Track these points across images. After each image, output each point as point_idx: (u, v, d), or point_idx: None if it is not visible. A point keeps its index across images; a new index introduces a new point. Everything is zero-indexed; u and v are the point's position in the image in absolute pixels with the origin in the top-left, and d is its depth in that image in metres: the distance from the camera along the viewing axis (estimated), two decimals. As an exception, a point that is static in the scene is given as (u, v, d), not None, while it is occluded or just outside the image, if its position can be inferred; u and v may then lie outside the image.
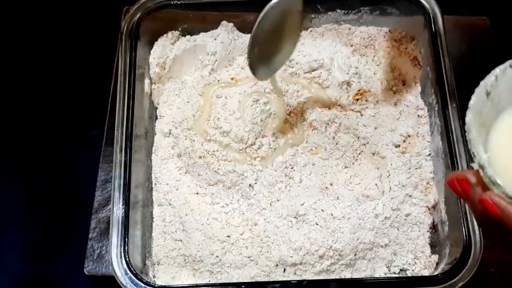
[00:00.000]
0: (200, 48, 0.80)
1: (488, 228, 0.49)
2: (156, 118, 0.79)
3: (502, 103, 0.51)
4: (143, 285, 0.63)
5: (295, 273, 0.67)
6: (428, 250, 0.70)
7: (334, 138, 0.74)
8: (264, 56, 0.67)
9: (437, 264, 0.68)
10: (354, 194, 0.71)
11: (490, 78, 0.49)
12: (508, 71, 0.50)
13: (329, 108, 0.76)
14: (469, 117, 0.48)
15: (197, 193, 0.72)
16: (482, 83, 0.49)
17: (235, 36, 0.81)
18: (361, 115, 0.77)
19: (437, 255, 0.69)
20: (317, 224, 0.68)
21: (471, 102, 0.49)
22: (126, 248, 0.64)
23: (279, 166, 0.72)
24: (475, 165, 0.47)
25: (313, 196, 0.70)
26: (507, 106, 0.51)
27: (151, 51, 0.80)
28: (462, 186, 0.49)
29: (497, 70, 0.50)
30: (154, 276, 0.69)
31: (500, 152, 0.49)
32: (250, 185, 0.71)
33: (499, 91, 0.50)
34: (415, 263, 0.69)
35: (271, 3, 0.64)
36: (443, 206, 0.70)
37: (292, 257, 0.67)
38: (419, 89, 0.78)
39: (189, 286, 0.67)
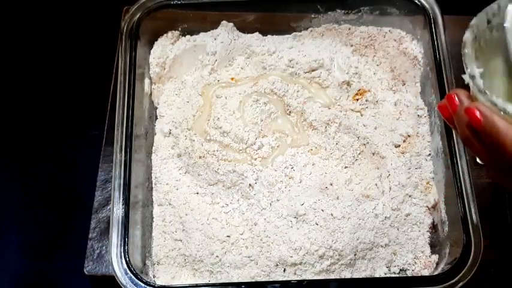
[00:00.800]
0: (200, 48, 0.80)
1: (471, 143, 0.49)
2: (156, 118, 0.79)
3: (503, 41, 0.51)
4: (143, 285, 0.63)
5: (295, 273, 0.67)
6: (428, 250, 0.70)
7: (334, 138, 0.74)
8: None
9: (437, 264, 0.68)
10: (354, 194, 0.71)
11: (492, 7, 0.50)
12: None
13: (329, 108, 0.76)
14: (467, 34, 0.49)
15: (197, 193, 0.73)
16: (484, 9, 0.50)
17: (235, 36, 0.81)
18: (361, 115, 0.77)
19: (437, 255, 0.69)
20: (317, 224, 0.68)
21: (472, 22, 0.50)
22: (126, 247, 0.64)
23: (279, 166, 0.72)
24: (466, 77, 0.48)
25: (313, 196, 0.70)
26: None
27: (151, 51, 0.80)
28: (451, 103, 0.49)
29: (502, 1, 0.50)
30: (154, 276, 0.69)
31: (493, 71, 0.50)
32: (250, 185, 0.71)
33: (498, 26, 0.50)
34: (415, 262, 0.69)
35: None
36: (443, 206, 0.70)
37: (292, 257, 0.67)
38: (419, 89, 0.78)
39: (189, 286, 0.67)
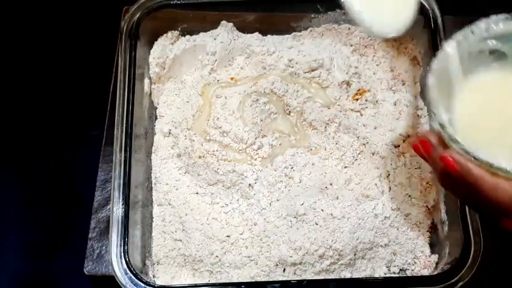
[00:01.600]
0: (200, 48, 0.80)
1: (450, 187, 0.50)
2: (156, 118, 0.79)
3: (467, 66, 0.51)
4: (143, 285, 0.63)
5: (295, 273, 0.67)
6: (427, 250, 0.70)
7: (334, 138, 0.74)
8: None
9: (437, 264, 0.68)
10: (354, 194, 0.71)
11: (450, 44, 0.51)
12: (469, 36, 0.51)
13: (329, 108, 0.76)
14: (431, 79, 0.49)
15: (197, 193, 0.73)
16: (443, 46, 0.51)
17: (235, 36, 0.81)
18: (361, 115, 0.76)
19: (436, 255, 0.69)
20: (317, 224, 0.68)
21: (433, 66, 0.50)
22: (126, 247, 0.64)
23: (278, 166, 0.72)
24: (435, 124, 0.48)
25: (313, 196, 0.70)
26: (472, 69, 0.51)
27: (151, 51, 0.80)
28: (424, 147, 0.50)
29: (459, 35, 0.51)
30: (154, 276, 0.70)
31: (464, 111, 0.50)
32: (250, 184, 0.71)
33: (461, 55, 0.51)
34: (415, 262, 0.69)
35: None
36: (443, 206, 0.70)
37: (291, 256, 0.67)
38: (419, 89, 0.78)
39: (189, 286, 0.67)
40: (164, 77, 0.80)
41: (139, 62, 0.76)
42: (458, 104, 0.51)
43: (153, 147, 0.77)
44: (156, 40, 0.81)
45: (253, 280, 0.67)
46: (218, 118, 0.73)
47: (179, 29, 0.82)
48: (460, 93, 0.51)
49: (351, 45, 0.81)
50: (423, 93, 0.55)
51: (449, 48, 0.50)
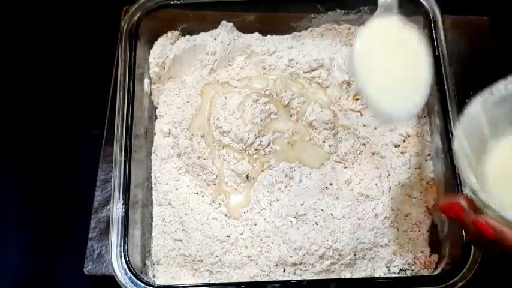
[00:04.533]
0: (200, 48, 0.80)
1: (484, 247, 0.51)
2: (156, 118, 0.79)
3: (493, 128, 0.51)
4: (143, 285, 0.63)
5: (294, 273, 0.67)
6: (428, 250, 0.70)
7: (334, 138, 0.74)
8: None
9: (437, 264, 0.68)
10: (354, 194, 0.71)
11: (472, 105, 0.50)
12: (489, 98, 0.50)
13: (329, 108, 0.76)
14: (456, 144, 0.49)
15: (197, 193, 0.73)
16: (466, 110, 0.50)
17: (235, 36, 0.81)
18: (361, 115, 0.76)
19: (437, 255, 0.69)
20: (317, 224, 0.68)
21: (457, 133, 0.50)
22: (126, 247, 0.64)
23: (278, 166, 0.72)
24: (466, 190, 0.48)
25: (313, 196, 0.70)
26: (499, 131, 0.52)
27: (151, 51, 0.80)
28: (455, 211, 0.51)
29: (479, 97, 0.50)
30: (154, 276, 0.69)
31: (496, 179, 0.50)
32: (250, 185, 0.71)
33: (485, 115, 0.51)
34: (415, 262, 0.69)
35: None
36: (443, 206, 0.70)
37: (291, 256, 0.67)
38: (419, 89, 0.78)
39: (189, 286, 0.67)
40: (164, 77, 0.80)
41: (139, 62, 0.76)
42: (488, 164, 0.51)
43: (153, 147, 0.77)
44: (156, 40, 0.81)
45: (253, 280, 0.67)
46: (218, 118, 0.73)
47: (179, 29, 0.82)
48: (489, 154, 0.51)
49: (351, 45, 0.81)
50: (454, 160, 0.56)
51: (473, 109, 0.50)
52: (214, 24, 0.81)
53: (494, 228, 0.47)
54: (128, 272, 0.63)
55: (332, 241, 0.67)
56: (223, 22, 0.81)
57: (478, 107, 0.50)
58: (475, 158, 0.50)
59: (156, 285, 0.64)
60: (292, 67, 0.78)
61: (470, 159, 0.49)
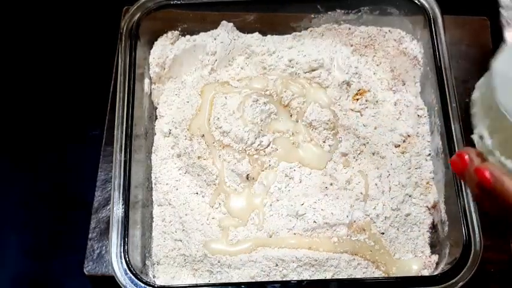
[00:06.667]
0: (200, 48, 0.80)
1: (483, 202, 0.50)
2: (156, 118, 0.79)
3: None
4: (143, 285, 0.63)
5: (295, 273, 0.67)
6: (428, 250, 0.70)
7: (334, 138, 0.74)
8: None
9: (437, 264, 0.68)
10: (354, 194, 0.71)
11: (496, 65, 0.49)
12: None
13: (329, 108, 0.76)
14: (475, 94, 0.49)
15: (197, 193, 0.72)
16: (491, 63, 0.49)
17: (235, 36, 0.81)
18: (361, 115, 0.76)
19: (437, 255, 0.69)
20: (315, 223, 0.68)
21: (479, 81, 0.49)
22: (126, 247, 0.64)
23: (278, 166, 0.72)
24: (474, 137, 0.48)
25: (313, 196, 0.70)
26: None
27: (151, 51, 0.80)
28: (461, 161, 0.50)
29: (502, 51, 0.49)
30: (154, 276, 0.69)
31: (505, 134, 0.49)
32: (250, 184, 0.71)
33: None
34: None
35: None
36: (443, 205, 0.70)
37: (292, 256, 0.67)
38: (419, 89, 0.78)
39: (189, 286, 0.67)
40: (164, 77, 0.80)
41: (139, 62, 0.76)
42: (499, 125, 0.50)
43: (153, 147, 0.77)
44: (156, 40, 0.81)
45: (253, 280, 0.67)
46: (218, 118, 0.73)
47: (179, 29, 0.82)
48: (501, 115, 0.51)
49: (351, 45, 0.81)
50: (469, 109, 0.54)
51: (497, 64, 0.50)
52: (214, 24, 0.81)
53: (494, 175, 0.46)
54: (128, 272, 0.63)
55: (332, 241, 0.67)
56: (223, 22, 0.81)
57: (501, 62, 0.49)
58: (492, 113, 0.49)
59: (156, 285, 0.64)
60: (292, 67, 0.78)
61: (487, 111, 0.49)
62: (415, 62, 0.80)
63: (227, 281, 0.67)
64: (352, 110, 0.77)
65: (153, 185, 0.74)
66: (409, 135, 0.75)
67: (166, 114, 0.78)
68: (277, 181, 0.71)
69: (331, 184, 0.72)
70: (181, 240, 0.70)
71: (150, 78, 0.79)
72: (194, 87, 0.78)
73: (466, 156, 0.49)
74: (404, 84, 0.79)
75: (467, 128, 0.73)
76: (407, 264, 0.69)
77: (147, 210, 0.73)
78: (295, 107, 0.75)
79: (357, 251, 0.68)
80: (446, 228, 0.69)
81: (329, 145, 0.74)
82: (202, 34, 0.81)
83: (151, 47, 0.81)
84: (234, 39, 0.80)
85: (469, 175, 0.49)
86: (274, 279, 0.67)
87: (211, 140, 0.73)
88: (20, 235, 0.79)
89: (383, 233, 0.69)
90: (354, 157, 0.74)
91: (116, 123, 0.71)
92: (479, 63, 0.81)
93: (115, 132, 0.71)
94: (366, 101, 0.77)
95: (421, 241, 0.70)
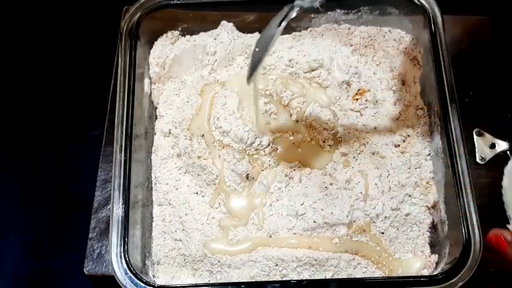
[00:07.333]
0: (200, 48, 0.80)
1: None
2: (156, 118, 0.79)
3: None
4: (143, 284, 0.63)
5: (294, 273, 0.67)
6: (428, 250, 0.70)
7: (334, 138, 0.74)
8: None
9: (437, 263, 0.68)
10: (354, 194, 0.71)
11: None
12: None
13: (329, 108, 0.76)
14: (506, 181, 0.50)
15: (197, 193, 0.73)
16: None
17: (235, 36, 0.81)
18: (361, 115, 0.77)
19: (436, 255, 0.69)
20: (315, 222, 0.68)
21: (508, 167, 0.51)
22: (126, 247, 0.64)
23: (278, 166, 0.72)
24: (510, 227, 0.50)
25: (313, 196, 0.70)
26: None
27: (151, 51, 0.80)
28: (499, 243, 0.58)
29: None
30: (154, 276, 0.70)
31: None
32: (250, 184, 0.71)
33: None
34: (415, 262, 0.70)
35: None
36: (443, 205, 0.70)
37: (292, 256, 0.67)
38: (418, 88, 0.78)
39: (189, 286, 0.67)
40: (164, 77, 0.80)
41: (139, 62, 0.76)
42: None
43: (153, 147, 0.77)
44: (156, 40, 0.81)
45: (253, 280, 0.67)
46: (218, 118, 0.73)
47: (179, 29, 0.82)
48: None
49: (351, 45, 0.81)
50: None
51: None
52: (214, 24, 0.81)
53: None
54: (128, 272, 0.63)
55: (332, 241, 0.67)
56: (223, 22, 0.81)
57: None
58: None
59: (156, 285, 0.64)
60: (292, 67, 0.78)
61: None
62: (415, 62, 0.80)
63: (227, 281, 0.67)
64: (352, 109, 0.77)
65: (153, 185, 0.74)
66: (408, 135, 0.75)
67: (166, 114, 0.78)
68: (277, 181, 0.71)
69: (331, 184, 0.72)
70: (181, 240, 0.70)
71: (150, 78, 0.79)
72: (194, 87, 0.78)
73: (504, 239, 0.57)
74: (404, 84, 0.79)
75: (467, 128, 0.74)
76: (407, 263, 0.69)
77: (147, 210, 0.73)
78: (295, 107, 0.75)
79: (356, 251, 0.68)
80: (446, 228, 0.69)
81: (329, 145, 0.74)
82: (202, 34, 0.81)
83: (151, 47, 0.81)
84: (234, 39, 0.80)
85: (508, 256, 0.57)
86: (274, 279, 0.67)
87: (211, 139, 0.73)
88: (20, 235, 0.79)
89: (383, 233, 0.70)
90: (354, 157, 0.74)
91: (116, 123, 0.71)
92: (479, 63, 0.81)
93: (115, 132, 0.71)
94: (366, 100, 0.77)
95: (420, 241, 0.70)
